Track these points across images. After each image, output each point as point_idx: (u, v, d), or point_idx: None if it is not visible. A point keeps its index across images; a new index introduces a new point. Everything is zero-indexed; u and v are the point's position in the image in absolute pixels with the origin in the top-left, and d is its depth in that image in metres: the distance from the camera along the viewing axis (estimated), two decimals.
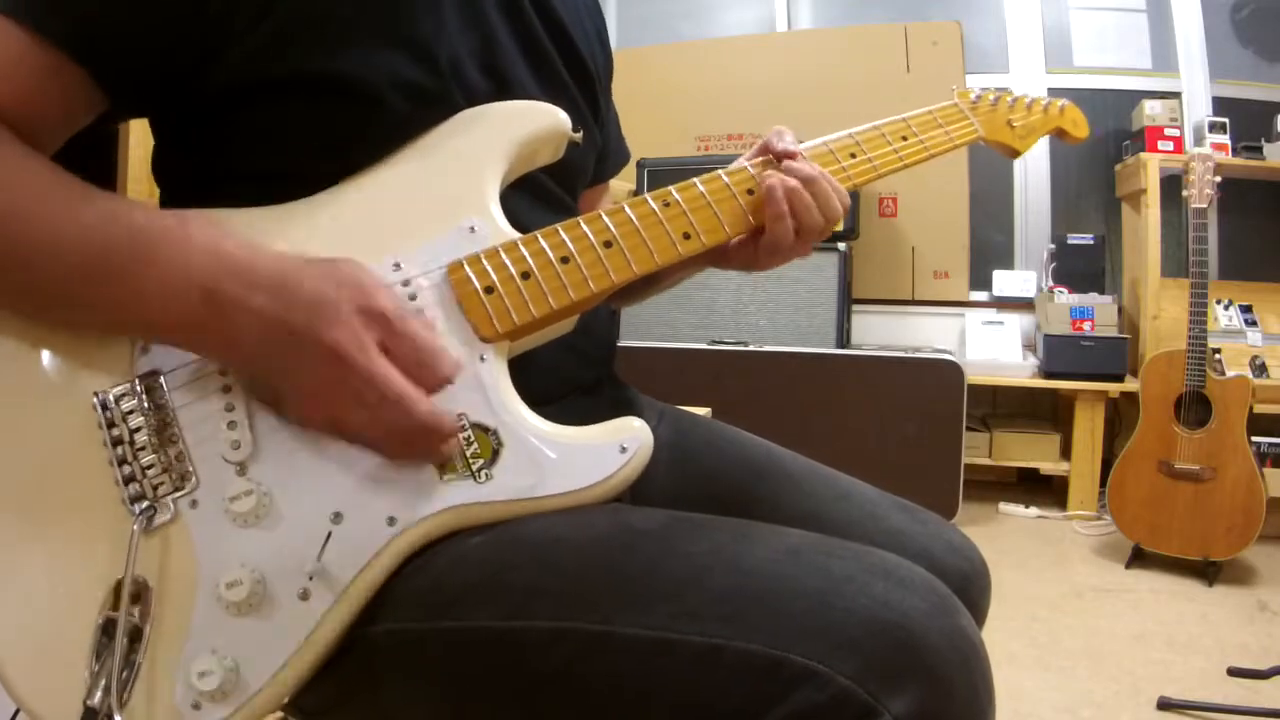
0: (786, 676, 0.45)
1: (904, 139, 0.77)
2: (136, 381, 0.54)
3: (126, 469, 0.53)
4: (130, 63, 0.56)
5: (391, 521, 0.53)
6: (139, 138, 1.75)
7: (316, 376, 0.51)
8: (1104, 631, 1.92)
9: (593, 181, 0.85)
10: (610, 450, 0.57)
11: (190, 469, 0.53)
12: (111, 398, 0.54)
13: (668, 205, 0.66)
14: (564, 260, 0.61)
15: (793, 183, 0.67)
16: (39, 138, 0.55)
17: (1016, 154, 0.88)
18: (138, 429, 0.53)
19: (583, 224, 0.62)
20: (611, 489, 0.57)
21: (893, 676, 0.44)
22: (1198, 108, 3.08)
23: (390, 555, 0.53)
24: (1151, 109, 2.90)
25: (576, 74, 0.75)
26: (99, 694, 0.49)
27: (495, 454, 0.55)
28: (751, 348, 2.75)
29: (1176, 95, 3.08)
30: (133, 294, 0.51)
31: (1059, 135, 0.92)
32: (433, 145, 0.62)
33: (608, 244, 0.62)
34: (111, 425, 0.53)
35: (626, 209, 0.64)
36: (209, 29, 0.56)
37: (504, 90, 0.66)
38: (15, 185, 0.51)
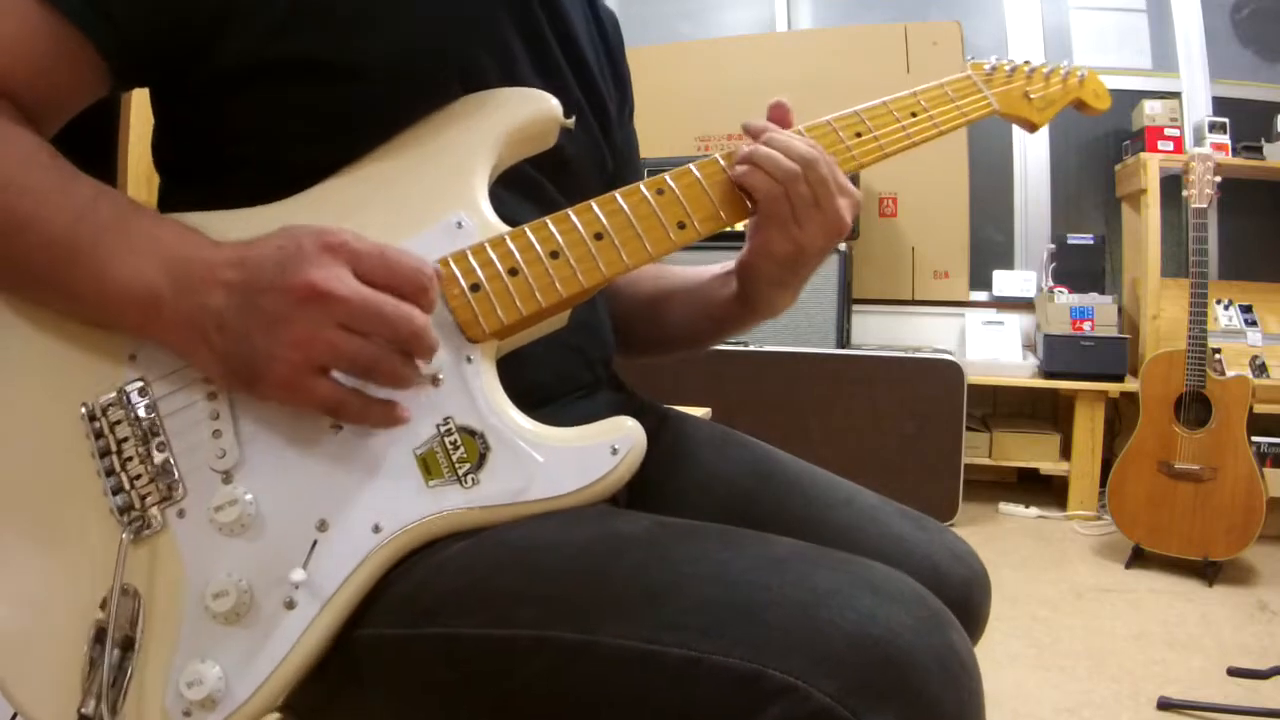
0: (764, 691, 0.44)
1: (913, 115, 0.74)
2: (123, 391, 0.54)
3: (114, 480, 0.52)
4: (137, 36, 0.56)
5: (376, 529, 0.53)
6: (139, 136, 1.75)
7: (298, 322, 0.49)
8: (1104, 631, 1.92)
9: None
10: (600, 452, 0.55)
11: (178, 478, 0.53)
12: (99, 408, 0.53)
13: (661, 193, 0.63)
14: (553, 255, 0.59)
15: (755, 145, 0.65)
16: (44, 115, 0.56)
17: (1035, 127, 0.83)
18: (125, 439, 0.53)
19: (572, 216, 0.60)
20: (602, 491, 0.55)
21: (876, 694, 0.43)
22: (1198, 108, 3.08)
23: (375, 562, 0.53)
24: (1151, 109, 2.89)
25: (586, 90, 0.74)
26: (92, 702, 0.49)
27: (482, 458, 0.54)
28: (751, 348, 2.75)
29: (1176, 95, 3.07)
30: (97, 273, 0.51)
31: (1079, 107, 0.86)
32: (421, 136, 0.61)
33: (598, 236, 0.60)
34: (99, 436, 0.53)
35: (618, 198, 0.62)
36: (213, 12, 0.56)
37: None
38: (10, 159, 0.52)
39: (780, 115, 0.70)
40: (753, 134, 0.67)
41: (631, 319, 0.85)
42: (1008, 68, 0.81)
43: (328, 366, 0.51)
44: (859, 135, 0.71)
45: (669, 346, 0.88)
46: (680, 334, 0.85)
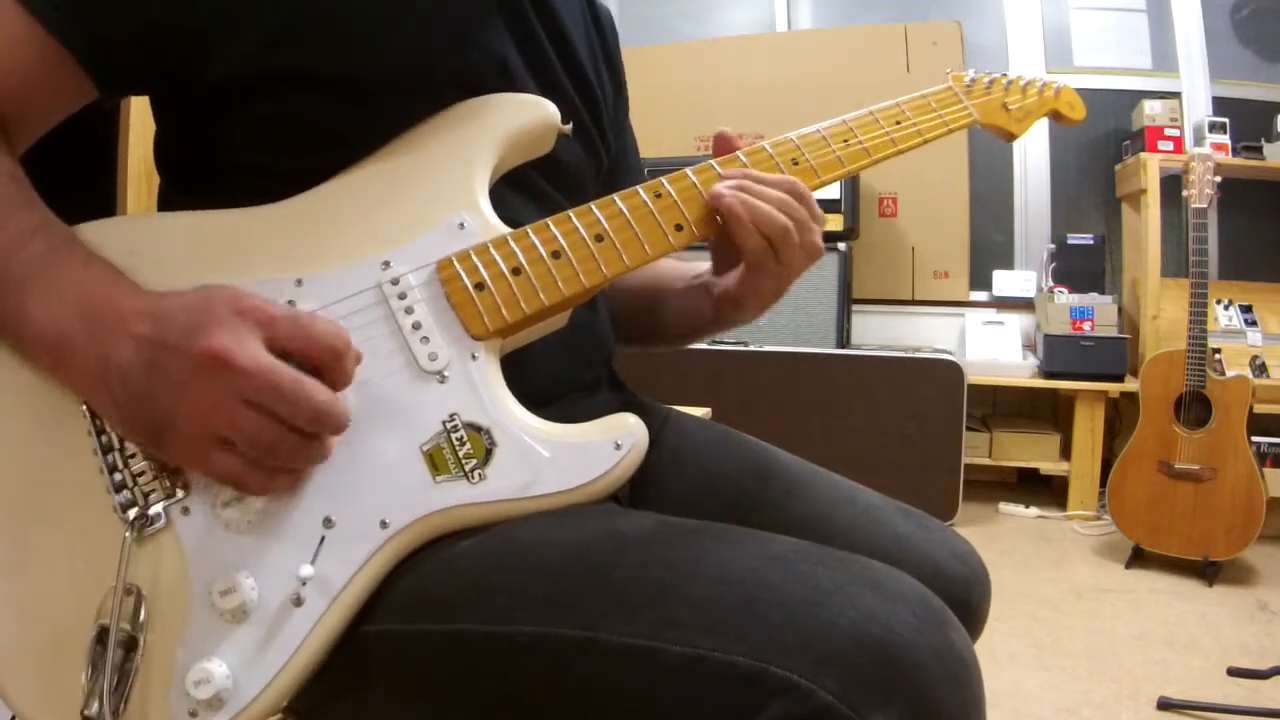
0: (766, 689, 0.44)
1: (897, 123, 0.76)
2: None
3: (117, 476, 0.52)
4: (118, 50, 0.56)
5: (384, 525, 0.53)
6: (139, 136, 1.75)
7: (199, 390, 0.47)
8: (1104, 631, 1.92)
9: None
10: (605, 447, 0.56)
11: (181, 474, 0.53)
12: None
13: (659, 196, 0.65)
14: (555, 255, 0.60)
15: (740, 188, 0.64)
16: (26, 120, 0.56)
17: (1013, 137, 0.86)
18: None
19: (573, 217, 0.61)
20: (607, 486, 0.56)
21: (877, 692, 0.43)
22: (1198, 108, 3.08)
23: (383, 558, 0.53)
24: (1151, 109, 2.90)
25: (580, 91, 0.75)
26: (95, 704, 0.48)
27: (488, 454, 0.55)
28: (751, 348, 2.75)
29: (1176, 95, 3.08)
30: (17, 310, 0.51)
31: (1055, 118, 0.90)
32: (422, 139, 0.62)
33: (599, 237, 0.61)
34: (101, 432, 0.53)
35: (617, 201, 0.63)
36: (197, 27, 0.56)
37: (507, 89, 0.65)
38: None
39: (728, 144, 0.70)
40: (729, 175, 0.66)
41: (630, 313, 0.85)
42: (986, 80, 0.84)
43: (228, 440, 0.49)
44: (846, 143, 0.73)
45: (664, 341, 0.88)
46: (674, 332, 0.86)
